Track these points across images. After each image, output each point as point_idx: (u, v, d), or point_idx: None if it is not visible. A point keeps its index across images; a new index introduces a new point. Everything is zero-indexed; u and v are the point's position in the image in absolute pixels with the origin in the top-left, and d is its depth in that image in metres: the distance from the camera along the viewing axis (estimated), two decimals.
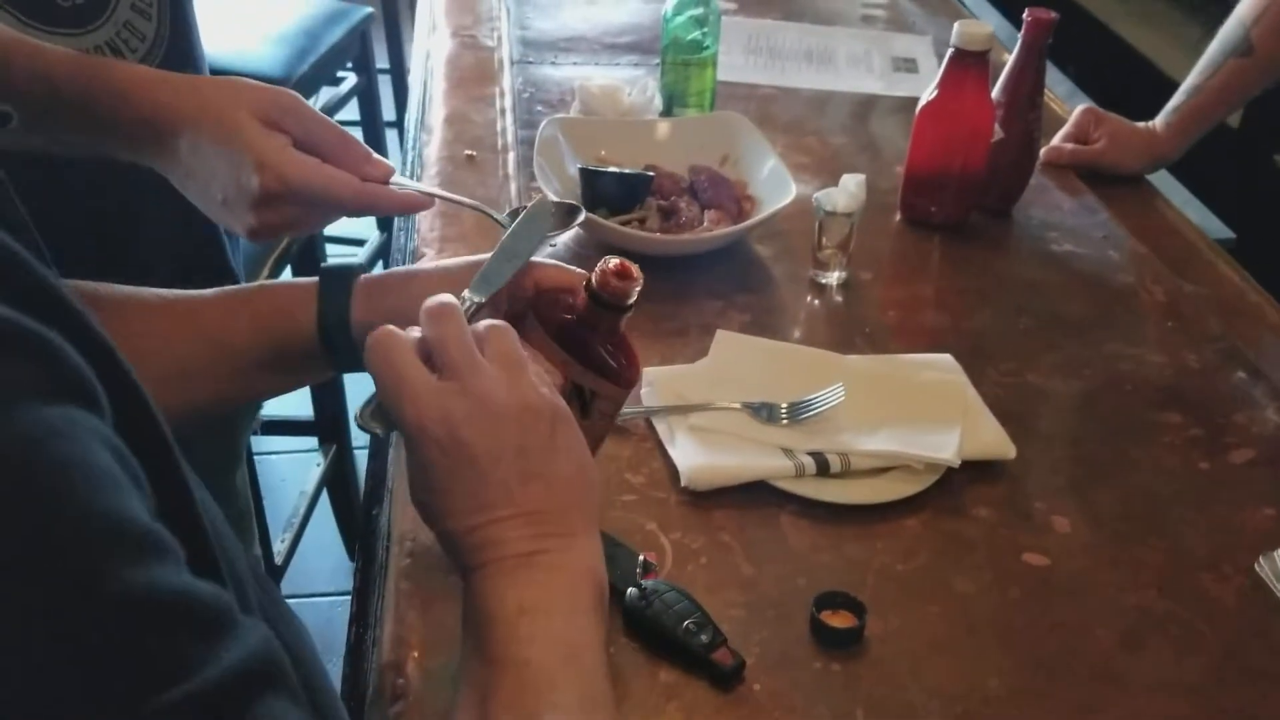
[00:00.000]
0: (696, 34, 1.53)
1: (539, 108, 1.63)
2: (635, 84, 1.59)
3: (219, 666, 0.44)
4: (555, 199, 1.21)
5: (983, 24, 1.35)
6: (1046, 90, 1.45)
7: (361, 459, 2.34)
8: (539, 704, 0.61)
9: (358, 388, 2.24)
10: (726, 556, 0.94)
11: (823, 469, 1.01)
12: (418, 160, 1.52)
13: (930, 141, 1.39)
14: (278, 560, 1.99)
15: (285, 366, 0.85)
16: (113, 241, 1.07)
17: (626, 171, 1.35)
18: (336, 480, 2.28)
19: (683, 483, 0.99)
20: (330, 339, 0.83)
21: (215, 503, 0.66)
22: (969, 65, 1.34)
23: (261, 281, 0.89)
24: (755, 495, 0.99)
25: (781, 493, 0.99)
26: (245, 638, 0.47)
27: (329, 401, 2.25)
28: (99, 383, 0.45)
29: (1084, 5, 3.05)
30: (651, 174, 1.36)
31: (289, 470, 2.51)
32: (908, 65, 1.84)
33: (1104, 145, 1.54)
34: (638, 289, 0.76)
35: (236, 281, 1.15)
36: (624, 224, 1.29)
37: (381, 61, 3.00)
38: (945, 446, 1.01)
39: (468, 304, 0.75)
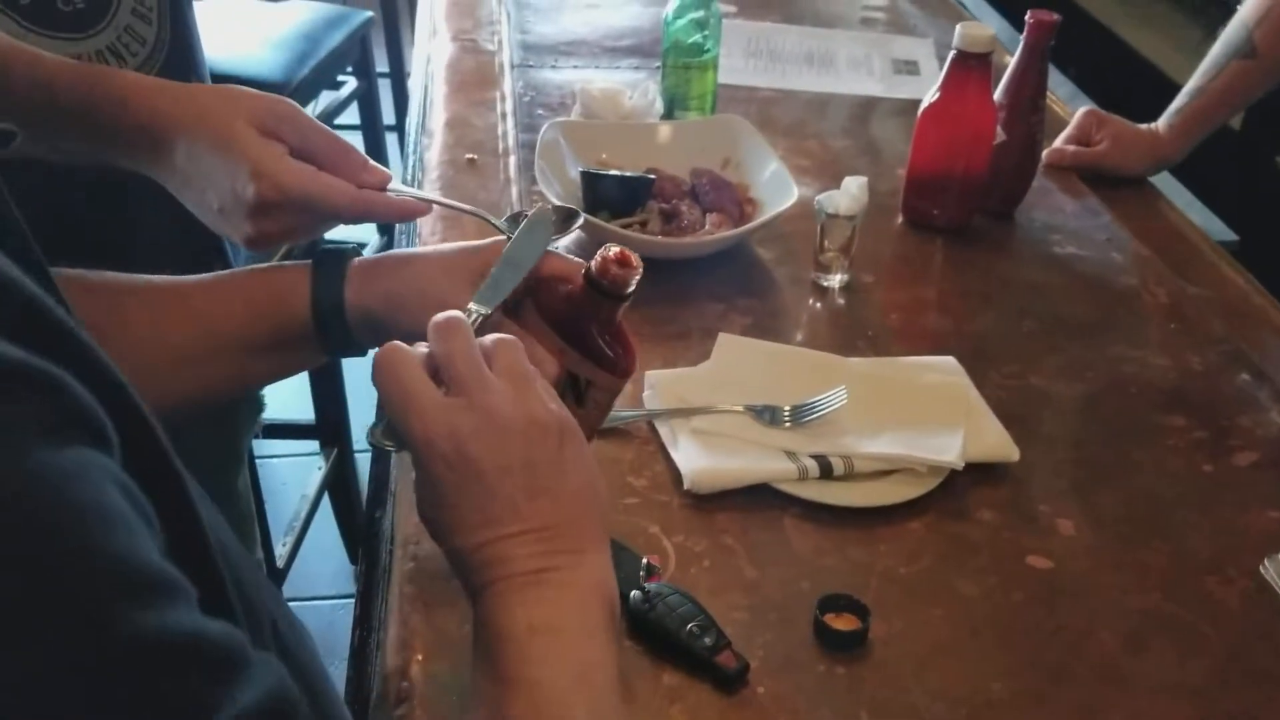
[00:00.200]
0: (697, 37, 1.53)
1: (540, 111, 1.63)
2: (636, 87, 1.59)
3: (234, 708, 0.44)
4: (554, 203, 1.21)
5: (985, 26, 1.35)
6: (1048, 92, 1.45)
7: (363, 462, 2.36)
8: None
9: (359, 391, 2.22)
10: (730, 559, 0.93)
11: (826, 472, 1.00)
12: (419, 165, 1.52)
13: (932, 144, 1.39)
14: (279, 563, 1.99)
15: (279, 351, 0.84)
16: (111, 249, 1.07)
17: (628, 175, 1.35)
18: (338, 484, 2.28)
19: (685, 486, 0.99)
20: (324, 322, 0.82)
21: (220, 513, 0.66)
22: (971, 67, 1.34)
23: (253, 265, 0.89)
24: (758, 498, 0.99)
25: (785, 495, 0.99)
26: (259, 677, 0.46)
27: (330, 405, 2.25)
28: (107, 416, 0.45)
29: (1085, 7, 3.05)
30: (653, 177, 1.36)
31: (290, 474, 2.51)
32: (909, 67, 1.84)
33: (1106, 147, 1.54)
34: (637, 277, 0.75)
35: None
36: (625, 227, 1.29)
37: (381, 66, 3.00)
38: (948, 449, 1.01)
39: (473, 316, 0.74)
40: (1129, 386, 1.18)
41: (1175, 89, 1.55)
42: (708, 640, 0.83)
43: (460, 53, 1.81)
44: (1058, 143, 1.57)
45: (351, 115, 2.88)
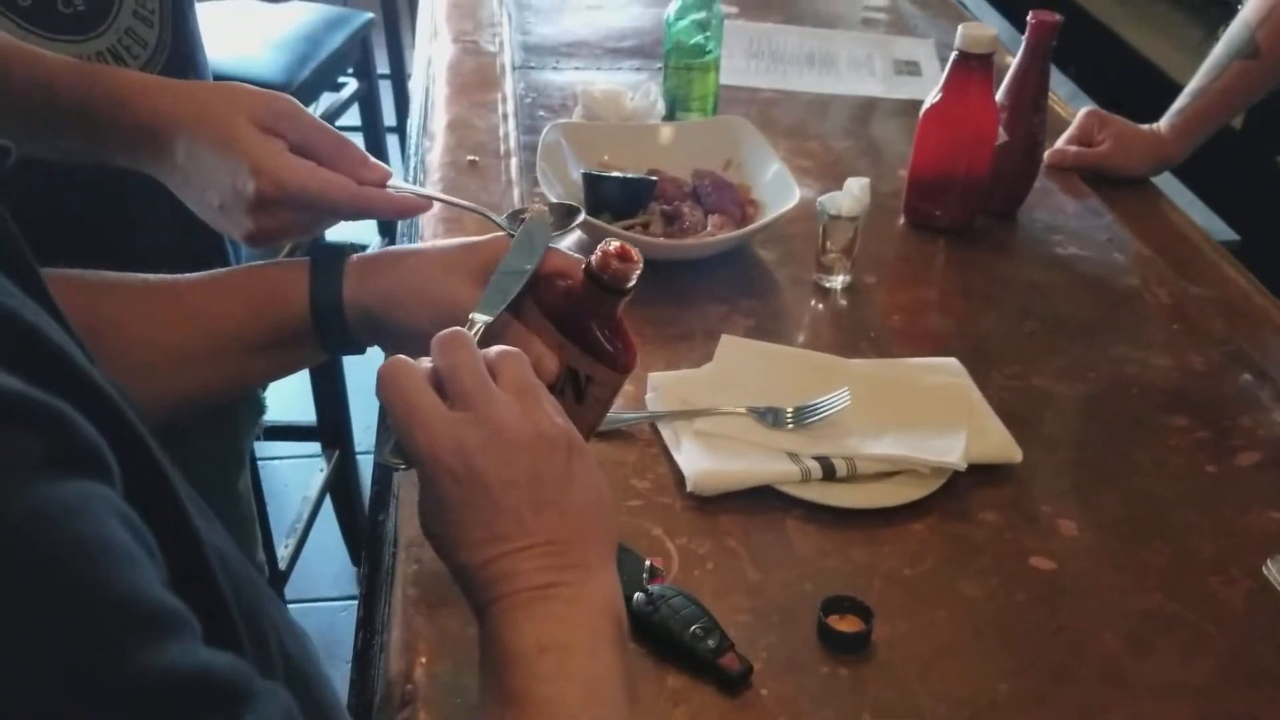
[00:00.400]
0: (699, 38, 1.53)
1: (541, 113, 1.63)
2: (638, 89, 1.59)
3: None
4: (554, 200, 1.21)
5: (987, 27, 1.35)
6: (1050, 93, 1.45)
7: (364, 464, 2.36)
8: None
9: (360, 393, 2.22)
10: (733, 561, 0.93)
11: (828, 473, 1.00)
12: (420, 166, 1.52)
13: (934, 145, 1.39)
14: (281, 565, 1.99)
15: (277, 349, 0.84)
16: (111, 249, 1.07)
17: (629, 176, 1.35)
18: (340, 485, 2.28)
19: (688, 488, 0.99)
20: (322, 320, 0.81)
21: (222, 518, 0.66)
22: (973, 68, 1.34)
23: (250, 264, 0.88)
24: (761, 500, 0.99)
25: (787, 497, 0.99)
26: (265, 709, 0.46)
27: (332, 407, 2.25)
28: (108, 445, 0.45)
29: (1086, 7, 3.05)
30: (655, 179, 1.36)
31: (292, 475, 2.51)
32: (910, 68, 1.84)
33: (1108, 148, 1.54)
34: (638, 272, 0.75)
35: None
36: (627, 229, 1.29)
37: (382, 67, 3.00)
38: (951, 450, 1.01)
39: (476, 326, 0.74)
40: (1131, 387, 1.18)
41: (1176, 89, 1.55)
42: (711, 642, 0.83)
43: (461, 54, 1.81)
44: (1059, 143, 1.57)
45: (352, 117, 2.88)
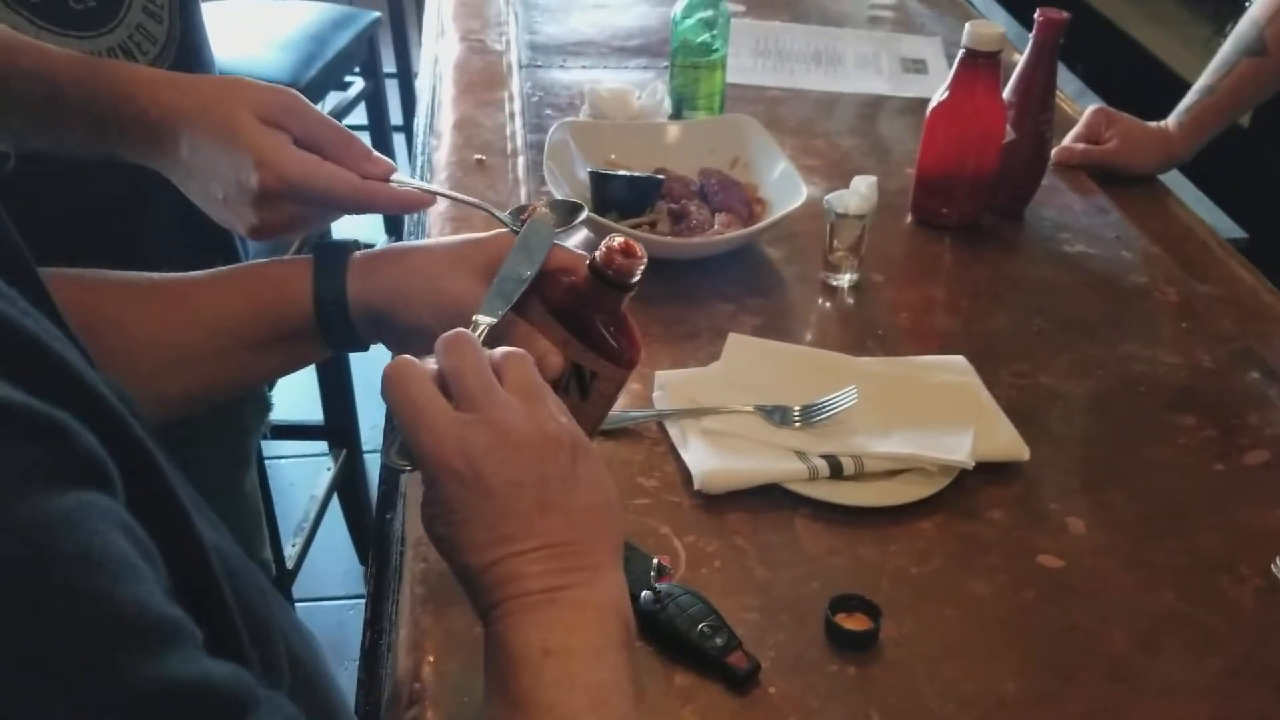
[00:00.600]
0: (706, 36, 1.52)
1: (548, 112, 1.63)
2: (644, 87, 1.59)
3: None
4: (558, 197, 1.20)
5: (994, 25, 1.35)
6: (1057, 90, 1.45)
7: (371, 463, 2.36)
8: None
9: (367, 392, 2.23)
10: (740, 560, 0.93)
11: (836, 472, 1.00)
12: (427, 165, 1.52)
13: (942, 142, 1.39)
14: (289, 565, 1.99)
15: (281, 347, 0.83)
16: (118, 249, 1.07)
17: (636, 175, 1.35)
18: (347, 485, 2.29)
19: (696, 486, 0.99)
20: (326, 317, 0.81)
21: (227, 518, 0.66)
22: (980, 66, 1.34)
23: (253, 261, 0.88)
24: (769, 498, 0.99)
25: (795, 495, 0.99)
26: (267, 719, 0.46)
27: (339, 406, 2.25)
28: (109, 454, 0.44)
29: (1093, 4, 3.05)
30: (661, 177, 1.36)
31: (299, 475, 2.51)
32: (917, 66, 1.84)
33: (1116, 145, 1.54)
34: (642, 267, 0.75)
35: None
36: (634, 227, 1.29)
37: (389, 66, 3.00)
38: (959, 448, 1.01)
39: (480, 328, 0.73)
40: (1139, 385, 1.17)
41: (1183, 87, 1.55)
42: (719, 641, 0.83)
43: (468, 53, 1.81)
44: (1067, 141, 1.56)
45: (359, 116, 2.89)
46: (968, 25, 1.34)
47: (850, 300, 1.29)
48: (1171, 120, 1.54)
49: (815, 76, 1.81)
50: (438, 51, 1.84)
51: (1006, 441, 1.05)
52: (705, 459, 1.00)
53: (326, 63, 2.44)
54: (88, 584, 0.41)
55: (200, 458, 1.14)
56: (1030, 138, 1.42)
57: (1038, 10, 1.37)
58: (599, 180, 1.33)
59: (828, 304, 1.28)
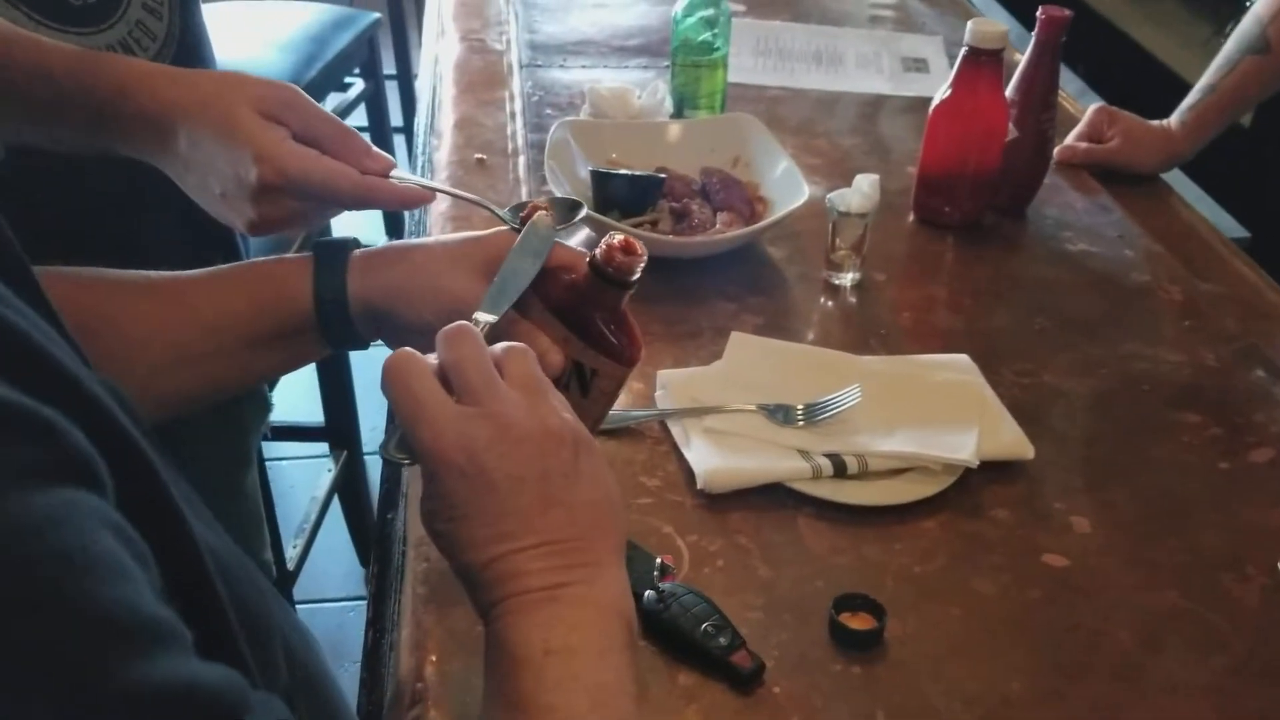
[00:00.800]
0: (707, 35, 1.52)
1: (549, 111, 1.63)
2: (645, 86, 1.58)
3: None
4: (556, 195, 1.20)
5: (997, 23, 1.35)
6: (1059, 89, 1.44)
7: (372, 464, 2.36)
8: None
9: (368, 393, 2.23)
10: (744, 559, 0.93)
11: (840, 470, 1.00)
12: (428, 165, 1.52)
13: (944, 141, 1.39)
14: (289, 566, 1.99)
15: (280, 345, 0.83)
16: (118, 247, 1.07)
17: (638, 174, 1.34)
18: (347, 486, 2.28)
19: (699, 485, 0.98)
20: (326, 315, 0.81)
21: (227, 518, 0.65)
22: (983, 64, 1.33)
23: (252, 260, 0.88)
24: (772, 497, 0.98)
25: (798, 495, 0.98)
26: None
27: (339, 407, 2.25)
28: (100, 453, 0.44)
29: (1092, 4, 3.05)
30: (663, 176, 1.35)
31: (300, 476, 2.51)
32: (918, 65, 1.84)
33: (1118, 144, 1.54)
34: (642, 265, 0.74)
35: None
36: (636, 226, 1.28)
37: (389, 67, 3.00)
38: (963, 447, 1.01)
39: (480, 326, 0.73)
40: (1143, 384, 1.17)
41: (1183, 86, 1.55)
42: (723, 640, 0.83)
43: (468, 53, 1.81)
44: (1069, 139, 1.56)
45: (359, 117, 2.88)
46: (971, 23, 1.33)
47: (852, 299, 1.28)
48: (1174, 119, 1.53)
49: (816, 76, 1.80)
50: (438, 51, 1.83)
51: (1011, 440, 1.05)
52: (708, 458, 1.00)
53: (326, 64, 2.43)
54: (73, 583, 0.40)
55: (200, 457, 1.14)
56: (1033, 136, 1.41)
57: (1040, 8, 1.37)
58: (600, 179, 1.33)
59: (830, 303, 1.28)
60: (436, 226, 1.33)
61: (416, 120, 1.73)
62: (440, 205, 1.35)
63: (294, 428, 2.35)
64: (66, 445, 0.42)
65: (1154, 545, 0.98)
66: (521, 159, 1.50)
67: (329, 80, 2.51)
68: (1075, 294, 1.32)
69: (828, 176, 1.47)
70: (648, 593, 0.85)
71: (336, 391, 2.22)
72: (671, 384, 1.09)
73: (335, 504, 2.27)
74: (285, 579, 1.94)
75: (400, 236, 1.84)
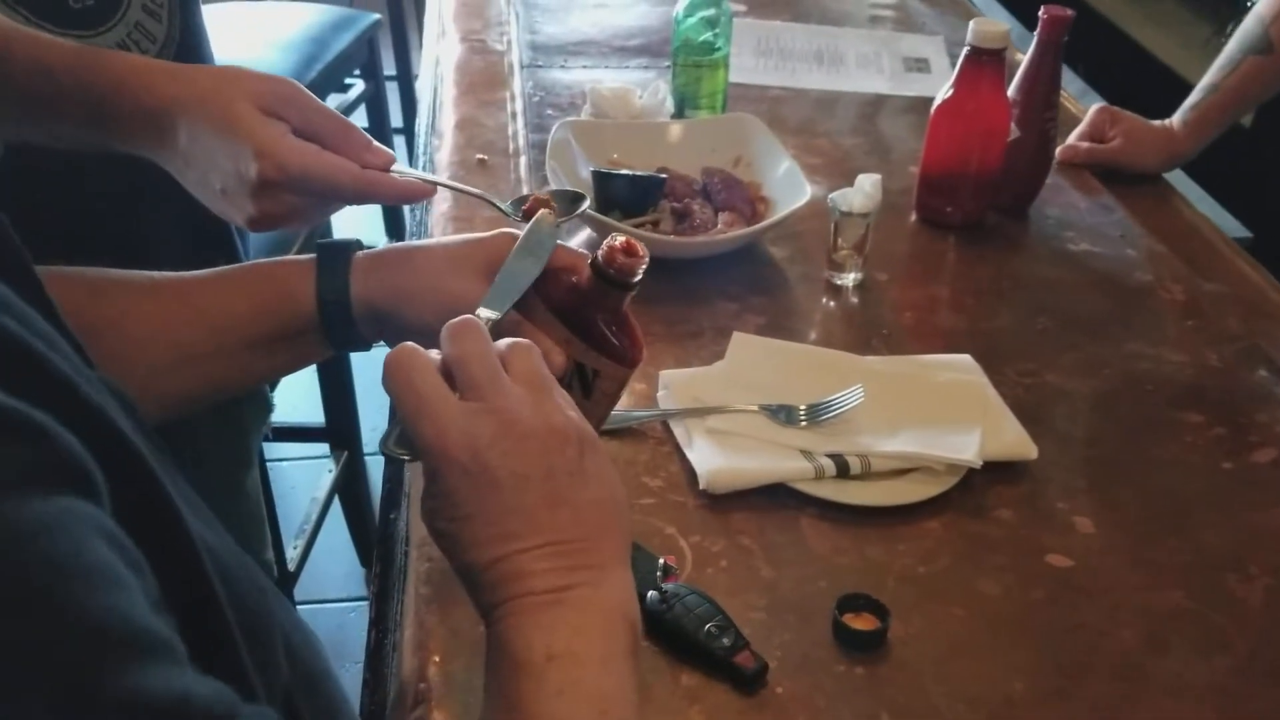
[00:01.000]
0: (708, 35, 1.52)
1: (549, 111, 1.62)
2: (646, 86, 1.58)
3: None
4: (557, 188, 1.20)
5: (999, 23, 1.35)
6: (1061, 89, 1.44)
7: (373, 465, 2.36)
8: None
9: (369, 393, 2.22)
10: (747, 559, 0.93)
11: (842, 471, 1.00)
12: (429, 165, 1.52)
13: (946, 141, 1.38)
14: (290, 567, 1.99)
15: (283, 346, 0.83)
16: (119, 246, 1.06)
17: (639, 174, 1.34)
18: (348, 487, 2.28)
19: (701, 486, 0.98)
20: (328, 315, 0.81)
21: (228, 518, 0.65)
22: (985, 64, 1.33)
23: (254, 261, 0.87)
24: (775, 498, 0.98)
25: (801, 495, 0.98)
26: None
27: (340, 408, 2.25)
28: (96, 457, 0.43)
29: (1093, 5, 3.04)
30: (664, 176, 1.35)
31: (301, 477, 2.50)
32: (919, 65, 1.83)
33: (1120, 144, 1.54)
34: (644, 266, 0.74)
35: None
36: (637, 227, 1.28)
37: (389, 68, 3.00)
38: (966, 447, 1.01)
39: (485, 322, 0.72)
40: (1145, 383, 1.17)
41: (1184, 86, 1.54)
42: (726, 640, 0.83)
43: (469, 53, 1.81)
44: (1071, 139, 1.56)
45: (359, 118, 2.88)
46: (973, 22, 1.33)
47: (854, 299, 1.28)
48: (1176, 119, 1.53)
49: (817, 76, 1.80)
50: (439, 52, 1.83)
51: (1014, 440, 1.04)
52: (710, 458, 0.99)
53: (326, 65, 2.43)
54: (64, 592, 0.40)
55: (201, 457, 1.14)
56: (1035, 136, 1.41)
57: (1043, 8, 1.37)
58: (602, 179, 1.32)
59: (832, 303, 1.28)
60: (438, 227, 1.32)
61: (418, 121, 1.73)
62: (442, 206, 1.35)
63: (295, 428, 2.35)
64: (60, 451, 0.42)
65: (1157, 545, 0.97)
66: (523, 159, 1.50)
67: (329, 81, 2.51)
68: (1078, 294, 1.31)
69: (829, 176, 1.47)
70: (651, 593, 0.85)
71: (337, 392, 2.22)
72: (674, 384, 1.08)
73: (336, 505, 2.27)
74: (286, 580, 1.94)
75: (400, 237, 1.84)
